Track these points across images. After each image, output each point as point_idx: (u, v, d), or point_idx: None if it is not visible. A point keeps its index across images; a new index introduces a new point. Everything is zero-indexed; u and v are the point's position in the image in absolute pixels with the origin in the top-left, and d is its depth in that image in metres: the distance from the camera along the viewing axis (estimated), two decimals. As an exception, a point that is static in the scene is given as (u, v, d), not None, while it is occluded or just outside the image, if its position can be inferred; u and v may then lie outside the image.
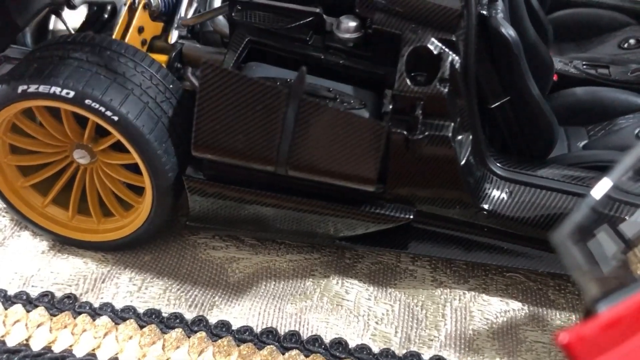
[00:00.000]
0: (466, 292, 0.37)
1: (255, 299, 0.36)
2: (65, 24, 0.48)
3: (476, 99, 0.35)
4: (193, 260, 0.39)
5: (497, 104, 0.36)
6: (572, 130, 0.42)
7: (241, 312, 0.36)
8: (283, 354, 0.34)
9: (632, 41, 0.47)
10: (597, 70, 0.44)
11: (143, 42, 0.46)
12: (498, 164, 0.35)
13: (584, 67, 0.44)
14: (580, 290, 0.20)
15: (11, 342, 0.35)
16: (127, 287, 0.37)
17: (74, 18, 0.50)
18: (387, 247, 0.37)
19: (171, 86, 0.40)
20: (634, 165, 0.21)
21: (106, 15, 0.50)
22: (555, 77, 0.43)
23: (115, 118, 0.43)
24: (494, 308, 0.37)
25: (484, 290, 0.37)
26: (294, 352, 0.34)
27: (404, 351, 0.34)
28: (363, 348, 0.34)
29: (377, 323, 0.36)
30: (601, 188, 0.23)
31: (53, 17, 0.48)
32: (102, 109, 0.43)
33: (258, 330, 0.35)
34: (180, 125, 0.41)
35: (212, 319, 0.35)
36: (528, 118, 0.37)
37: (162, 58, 0.43)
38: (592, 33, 0.49)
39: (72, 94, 0.44)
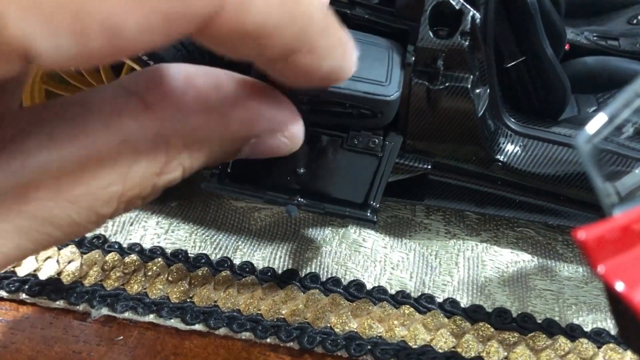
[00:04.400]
0: (478, 243, 0.39)
1: (276, 245, 0.38)
2: None
3: (493, 56, 0.36)
4: (217, 208, 0.40)
5: (512, 63, 0.38)
6: (582, 98, 0.43)
7: (263, 256, 0.37)
8: (304, 292, 0.36)
9: (641, 17, 0.48)
10: (607, 42, 0.45)
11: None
12: (512, 119, 0.37)
13: (595, 38, 0.46)
14: (599, 196, 0.22)
15: (43, 276, 0.37)
16: (154, 229, 0.38)
17: None
18: (404, 198, 0.39)
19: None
20: (628, 100, 0.23)
21: None
22: (567, 47, 0.45)
23: (151, 62, 0.44)
24: (504, 258, 0.38)
25: (495, 243, 0.39)
26: (315, 291, 0.36)
27: (419, 294, 0.36)
28: (380, 289, 0.36)
29: (392, 269, 0.37)
30: (596, 122, 0.24)
31: None
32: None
33: (280, 271, 0.37)
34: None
35: (237, 260, 0.37)
36: (542, 78, 0.38)
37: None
38: (603, 10, 0.50)
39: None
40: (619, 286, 0.21)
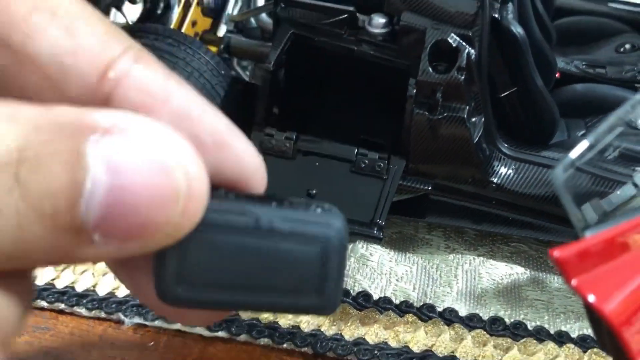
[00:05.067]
0: (475, 257, 0.42)
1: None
2: (125, 16, 0.54)
3: (487, 88, 0.40)
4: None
5: (505, 93, 0.42)
6: (572, 122, 0.47)
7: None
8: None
9: (627, 46, 0.52)
10: (594, 70, 0.49)
11: (195, 35, 0.52)
12: (505, 145, 0.41)
13: (584, 66, 0.49)
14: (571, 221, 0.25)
15: (79, 288, 0.40)
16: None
17: (131, 12, 0.55)
18: (408, 216, 0.43)
19: (223, 72, 0.45)
20: (612, 126, 0.26)
21: (159, 11, 0.56)
22: (558, 75, 0.48)
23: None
24: (499, 271, 0.42)
25: (491, 257, 0.42)
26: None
27: (421, 303, 0.40)
28: (385, 299, 0.39)
29: (397, 280, 0.41)
30: (579, 149, 0.27)
31: (113, 10, 0.53)
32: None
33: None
34: (229, 105, 0.47)
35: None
36: (532, 107, 0.42)
37: (212, 49, 0.49)
38: (592, 38, 0.54)
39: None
40: (591, 298, 0.24)
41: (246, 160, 0.23)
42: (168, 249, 0.21)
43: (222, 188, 0.23)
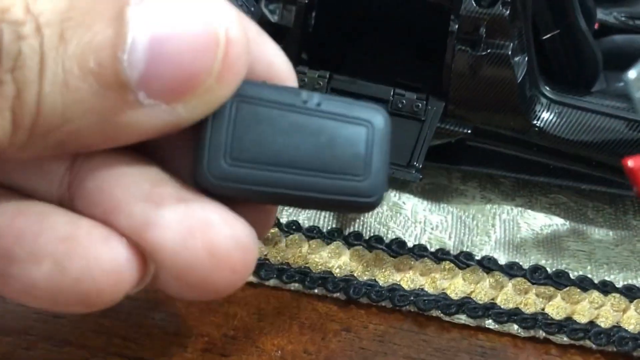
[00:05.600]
0: (513, 207, 0.41)
1: (320, 206, 0.40)
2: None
3: (531, 27, 0.38)
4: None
5: (548, 35, 0.40)
6: (610, 74, 0.45)
7: (308, 216, 0.39)
8: (348, 248, 0.38)
9: (669, -2, 0.50)
10: (634, 21, 0.47)
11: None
12: (548, 88, 0.39)
13: (623, 18, 0.48)
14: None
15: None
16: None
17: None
18: (443, 163, 0.41)
19: (252, 9, 0.44)
20: None
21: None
22: (596, 26, 0.47)
23: None
24: (538, 222, 0.40)
25: (529, 207, 0.41)
26: (359, 247, 0.37)
27: (458, 251, 0.38)
28: (421, 247, 0.38)
29: (432, 229, 0.39)
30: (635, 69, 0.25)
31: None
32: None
33: (325, 230, 0.39)
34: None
35: (283, 219, 0.39)
36: (575, 50, 0.40)
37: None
38: (630, -7, 0.53)
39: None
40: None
41: (277, 63, 0.23)
42: (213, 120, 0.20)
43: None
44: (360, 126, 0.22)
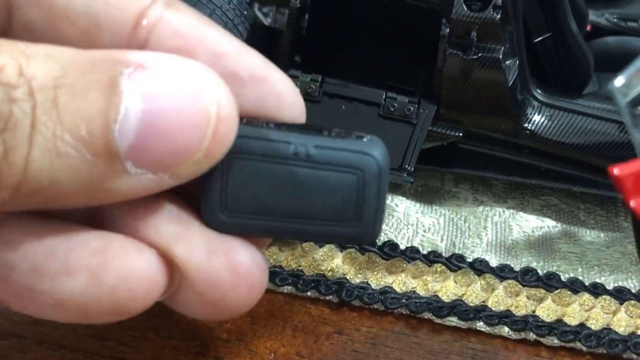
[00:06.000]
0: (505, 209, 0.41)
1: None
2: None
3: (522, 30, 0.38)
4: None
5: (540, 38, 0.40)
6: (602, 76, 0.45)
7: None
8: (341, 251, 0.38)
9: (661, 0, 0.51)
10: (626, 23, 0.48)
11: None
12: (539, 91, 0.39)
13: (615, 19, 0.48)
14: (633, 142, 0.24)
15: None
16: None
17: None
18: (435, 165, 0.41)
19: (245, 12, 0.44)
20: None
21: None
22: (588, 28, 0.47)
23: None
24: (530, 224, 0.40)
25: (521, 209, 0.41)
26: (351, 250, 0.38)
27: (450, 254, 0.38)
28: (413, 249, 0.38)
29: (424, 231, 0.39)
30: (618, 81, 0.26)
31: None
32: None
33: (317, 233, 0.39)
34: (252, 47, 0.45)
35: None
36: (567, 52, 0.40)
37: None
38: (623, -6, 0.53)
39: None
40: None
41: (284, 92, 0.24)
42: (211, 176, 0.22)
43: (261, 119, 0.23)
44: (351, 174, 0.22)
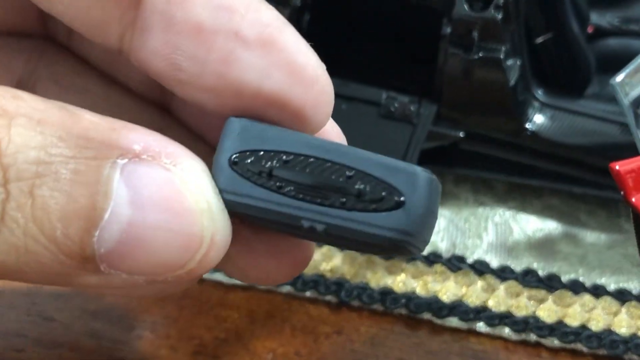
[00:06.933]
0: (506, 210, 0.41)
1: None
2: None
3: (524, 30, 0.38)
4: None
5: (541, 40, 0.40)
6: (604, 78, 0.45)
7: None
8: (340, 251, 0.38)
9: (663, 2, 0.50)
10: (628, 25, 0.47)
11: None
12: (540, 92, 0.39)
13: (617, 22, 0.48)
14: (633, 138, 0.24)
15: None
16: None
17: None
18: (436, 165, 0.41)
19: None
20: None
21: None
22: (590, 29, 0.47)
23: None
24: (531, 225, 0.40)
25: (522, 210, 0.41)
26: (351, 251, 0.38)
27: (450, 254, 0.38)
28: (412, 251, 0.38)
29: (424, 232, 0.39)
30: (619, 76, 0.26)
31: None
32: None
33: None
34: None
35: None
36: (568, 53, 0.40)
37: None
38: (625, -5, 0.53)
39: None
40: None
41: (298, 63, 0.18)
42: None
43: (265, 120, 0.18)
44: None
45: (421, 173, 0.19)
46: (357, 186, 0.18)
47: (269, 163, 0.17)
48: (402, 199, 0.18)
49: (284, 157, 0.17)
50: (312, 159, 0.17)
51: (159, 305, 0.36)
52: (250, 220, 0.19)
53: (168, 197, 0.16)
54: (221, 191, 0.17)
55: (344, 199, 0.17)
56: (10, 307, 0.34)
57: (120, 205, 0.16)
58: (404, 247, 0.19)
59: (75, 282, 0.17)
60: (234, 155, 0.17)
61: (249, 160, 0.17)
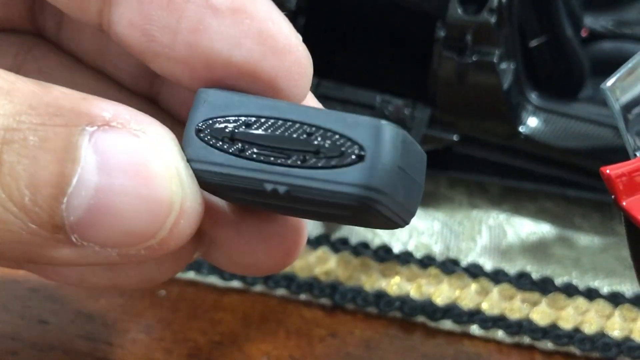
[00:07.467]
0: (500, 213, 0.41)
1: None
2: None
3: (517, 34, 0.39)
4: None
5: (535, 43, 0.40)
6: (598, 81, 0.45)
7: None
8: (335, 254, 0.38)
9: (657, 5, 0.51)
10: (621, 29, 0.48)
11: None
12: (534, 95, 0.39)
13: (611, 25, 0.48)
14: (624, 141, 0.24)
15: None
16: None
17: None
18: (430, 168, 0.41)
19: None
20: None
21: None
22: (584, 33, 0.47)
23: None
24: (525, 228, 0.40)
25: (516, 214, 0.41)
26: (345, 253, 0.38)
27: (444, 257, 0.38)
28: (407, 253, 0.38)
29: (418, 235, 0.39)
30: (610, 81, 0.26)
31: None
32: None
33: (312, 236, 0.39)
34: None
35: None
36: (561, 57, 0.40)
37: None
38: (618, 0, 0.53)
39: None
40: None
41: (267, 31, 0.18)
42: None
43: (236, 87, 0.18)
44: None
45: (385, 125, 0.17)
46: (315, 142, 0.17)
47: (230, 127, 0.17)
48: (362, 152, 0.17)
49: (246, 119, 0.17)
50: (272, 120, 0.17)
51: (154, 308, 0.36)
52: (222, 193, 0.18)
53: (136, 162, 0.16)
54: (189, 161, 0.17)
55: (304, 157, 0.17)
56: (5, 310, 0.34)
57: (88, 171, 0.16)
58: (371, 205, 0.17)
59: (48, 256, 0.17)
60: (200, 123, 0.17)
61: (213, 127, 0.17)
